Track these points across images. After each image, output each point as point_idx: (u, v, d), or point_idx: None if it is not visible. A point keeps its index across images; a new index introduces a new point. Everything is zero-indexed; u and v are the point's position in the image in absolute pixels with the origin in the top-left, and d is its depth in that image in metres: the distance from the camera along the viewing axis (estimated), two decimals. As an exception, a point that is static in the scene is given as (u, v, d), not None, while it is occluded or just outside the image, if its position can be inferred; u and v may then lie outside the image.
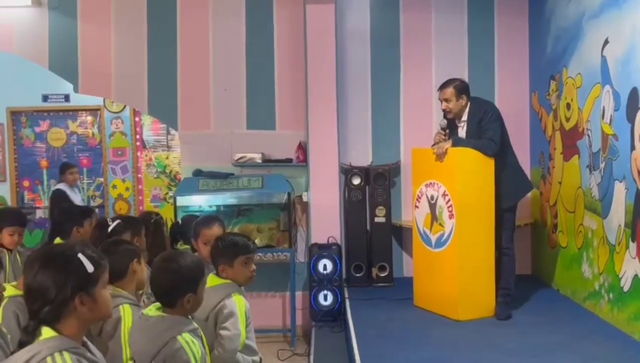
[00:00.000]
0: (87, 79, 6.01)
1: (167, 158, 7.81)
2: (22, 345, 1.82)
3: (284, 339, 5.91)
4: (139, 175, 7.83)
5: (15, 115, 7.83)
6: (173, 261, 2.43)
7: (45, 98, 7.75)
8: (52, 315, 1.82)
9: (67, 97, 7.68)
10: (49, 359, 1.77)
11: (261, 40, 5.98)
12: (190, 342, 2.29)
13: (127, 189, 7.86)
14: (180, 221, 4.66)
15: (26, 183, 7.92)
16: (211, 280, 2.87)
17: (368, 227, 5.86)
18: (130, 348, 2.52)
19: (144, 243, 3.55)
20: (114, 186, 7.86)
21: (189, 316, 2.44)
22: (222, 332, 2.78)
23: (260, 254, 5.75)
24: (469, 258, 4.58)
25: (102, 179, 7.89)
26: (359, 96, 6.01)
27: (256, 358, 2.94)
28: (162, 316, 2.36)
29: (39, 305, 1.81)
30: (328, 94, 5.76)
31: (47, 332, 1.84)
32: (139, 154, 7.82)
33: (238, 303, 2.85)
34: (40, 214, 7.92)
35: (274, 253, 5.80)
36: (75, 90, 6.11)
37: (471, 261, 4.58)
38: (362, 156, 6.00)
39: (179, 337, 2.27)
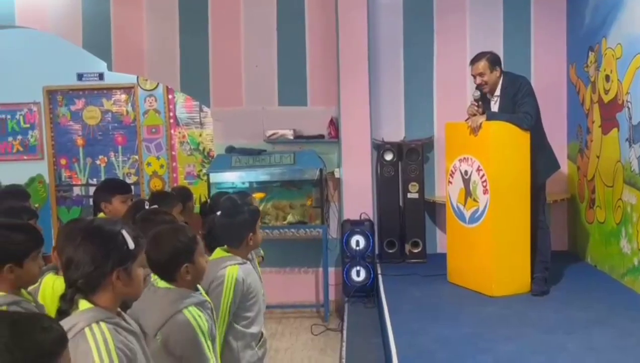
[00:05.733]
0: (120, 58, 6.06)
1: (200, 135, 7.85)
2: (60, 313, 1.87)
3: (317, 314, 5.95)
4: (173, 152, 7.90)
5: (51, 94, 7.95)
6: (164, 235, 2.41)
7: (80, 77, 7.84)
8: (89, 286, 1.87)
9: (101, 76, 7.75)
10: (87, 330, 1.82)
11: (292, 15, 5.94)
12: (196, 316, 2.29)
13: (161, 166, 7.94)
14: (210, 199, 4.69)
15: (63, 161, 8.06)
16: (217, 252, 2.91)
17: (401, 203, 5.82)
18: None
19: (182, 217, 3.59)
20: (149, 164, 7.95)
21: (198, 289, 2.45)
22: None
23: (292, 230, 5.79)
24: (504, 234, 4.52)
25: (136, 157, 7.98)
26: (391, 70, 5.94)
27: (255, 330, 2.89)
28: (169, 288, 2.37)
29: (77, 275, 1.86)
30: (360, 68, 5.71)
31: (83, 304, 1.89)
32: (172, 131, 7.88)
33: (228, 275, 2.79)
34: (77, 191, 8.07)
35: (307, 230, 5.81)
36: (109, 68, 6.17)
37: (506, 237, 4.53)
38: (395, 131, 5.94)
39: (185, 311, 2.28)
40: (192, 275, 2.39)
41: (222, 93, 6.03)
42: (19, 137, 8.00)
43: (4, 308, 2.17)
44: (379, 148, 5.81)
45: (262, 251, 3.79)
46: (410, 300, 4.67)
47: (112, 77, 7.36)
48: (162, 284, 2.38)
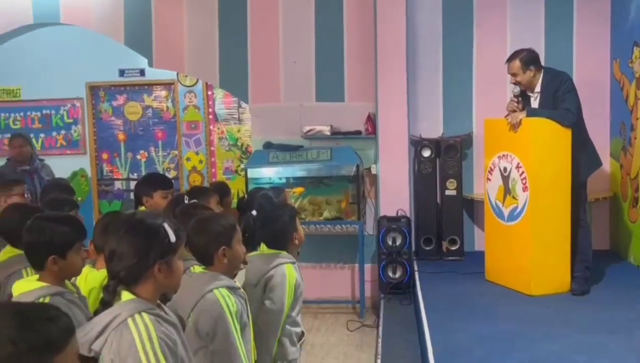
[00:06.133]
0: (161, 54, 6.16)
1: (238, 130, 7.93)
2: (104, 303, 1.92)
3: (353, 310, 5.95)
4: (212, 148, 8.00)
5: (94, 90, 8.13)
6: (206, 219, 2.52)
7: (121, 73, 8.00)
8: (132, 277, 1.91)
9: (142, 72, 7.90)
10: (130, 320, 1.86)
11: (331, 11, 5.94)
12: (225, 296, 2.34)
13: (200, 161, 8.05)
14: (247, 194, 4.73)
15: (105, 156, 8.24)
16: (263, 248, 2.97)
17: (438, 200, 5.78)
18: None
19: (219, 209, 3.64)
20: (188, 159, 8.06)
21: (232, 277, 2.50)
22: (267, 303, 2.82)
23: (329, 226, 5.80)
24: (544, 232, 4.45)
25: (176, 152, 8.10)
26: (429, 65, 5.89)
27: (298, 329, 2.94)
28: (203, 272, 2.45)
29: (120, 267, 1.90)
30: (398, 64, 5.68)
31: (125, 295, 1.93)
32: (211, 127, 7.97)
33: (289, 274, 2.87)
34: (118, 185, 8.24)
35: (343, 226, 5.82)
36: (150, 65, 6.28)
37: (546, 235, 4.45)
38: (433, 127, 5.90)
39: (215, 291, 2.34)
40: (229, 260, 2.46)
41: (261, 89, 6.08)
42: (63, 132, 8.21)
43: (47, 299, 2.24)
44: (417, 144, 5.77)
45: None
46: (447, 297, 4.64)
47: (153, 74, 7.49)
48: (198, 269, 2.45)
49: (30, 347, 1.33)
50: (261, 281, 2.83)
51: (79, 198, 7.70)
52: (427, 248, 5.75)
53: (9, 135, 6.66)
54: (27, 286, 2.29)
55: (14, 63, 7.79)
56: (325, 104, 6.02)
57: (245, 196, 4.82)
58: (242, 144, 7.92)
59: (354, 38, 5.94)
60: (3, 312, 1.36)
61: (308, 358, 4.66)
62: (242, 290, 2.51)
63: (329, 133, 5.93)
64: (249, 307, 2.53)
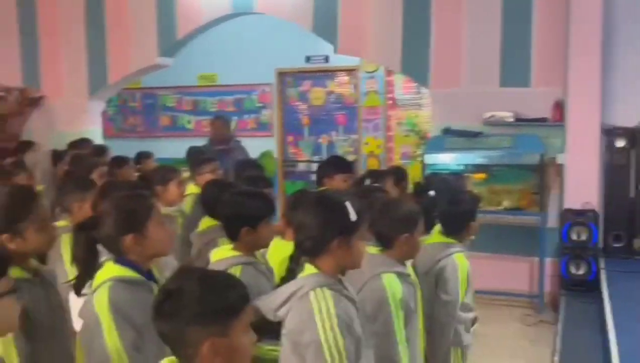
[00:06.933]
0: (345, 40, 6.34)
1: (416, 116, 7.94)
2: (289, 271, 2.09)
3: (529, 305, 5.73)
4: (390, 133, 8.10)
5: (282, 76, 8.61)
6: (391, 204, 2.55)
7: (308, 59, 8.37)
8: (313, 249, 2.05)
9: (326, 58, 8.20)
10: (311, 293, 1.99)
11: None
12: (393, 282, 2.37)
13: (378, 146, 8.19)
14: (424, 179, 4.74)
15: (290, 138, 8.71)
16: (435, 236, 2.96)
17: (632, 194, 5.33)
18: None
19: (396, 192, 3.71)
20: (366, 143, 8.25)
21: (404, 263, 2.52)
22: (442, 296, 2.84)
23: (508, 216, 5.62)
24: None
25: (356, 137, 8.32)
26: (628, 47, 5.40)
27: (471, 315, 2.92)
28: (378, 254, 2.48)
29: (303, 238, 2.05)
30: (591, 46, 5.28)
31: (309, 269, 2.07)
32: (390, 112, 8.07)
33: (460, 264, 2.84)
34: (301, 167, 8.68)
35: (522, 216, 5.60)
36: (335, 51, 6.49)
37: None
38: (629, 115, 5.41)
39: (383, 275, 2.38)
40: (409, 247, 2.50)
41: (442, 74, 6.01)
42: (254, 115, 8.81)
43: (239, 267, 2.46)
44: (609, 133, 5.36)
45: None
46: (637, 299, 4.30)
47: (336, 60, 7.74)
48: (372, 250, 2.51)
49: (213, 309, 1.50)
50: (432, 270, 2.86)
51: (266, 178, 8.25)
52: (617, 246, 5.34)
53: (208, 117, 7.30)
54: (223, 254, 2.54)
55: (212, 51, 8.48)
56: (509, 89, 5.80)
57: (422, 181, 4.85)
58: (420, 130, 7.92)
59: (543, 17, 5.62)
60: (193, 277, 1.55)
61: (480, 348, 4.58)
62: (410, 276, 2.54)
63: (511, 120, 5.71)
64: (417, 295, 2.57)
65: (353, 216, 2.04)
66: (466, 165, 5.92)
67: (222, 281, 1.57)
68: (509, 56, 5.78)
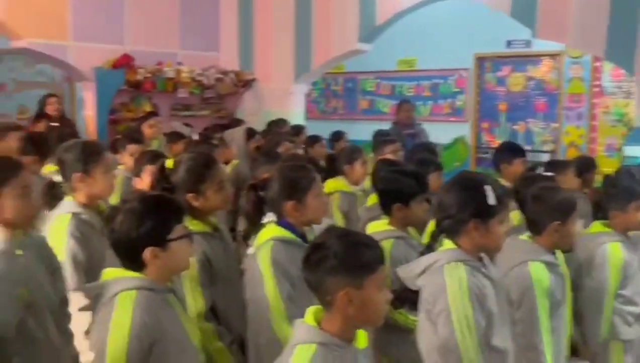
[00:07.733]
0: (544, 25, 6.07)
1: (626, 105, 7.34)
2: (428, 247, 2.21)
3: None
4: (594, 122, 7.59)
5: (480, 60, 8.47)
6: (546, 190, 2.48)
7: (508, 44, 8.14)
8: (451, 228, 2.14)
9: (528, 43, 7.89)
10: (446, 266, 2.10)
11: None
12: (540, 271, 2.33)
13: (580, 136, 7.73)
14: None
15: (485, 125, 8.55)
16: (594, 226, 2.85)
17: None
18: None
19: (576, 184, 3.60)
20: (567, 133, 7.82)
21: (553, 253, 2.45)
22: (586, 280, 2.72)
23: None
24: None
25: (556, 125, 7.93)
26: None
27: (634, 309, 2.73)
28: (527, 240, 2.45)
29: (443, 216, 2.15)
30: None
31: (447, 244, 2.17)
32: (595, 100, 7.55)
33: (614, 253, 2.70)
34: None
35: None
36: (534, 36, 6.26)
37: None
38: None
39: (530, 263, 2.35)
40: (560, 236, 2.44)
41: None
42: (449, 100, 8.80)
43: (390, 240, 2.62)
44: None
45: None
46: None
47: (539, 45, 7.43)
48: (525, 236, 2.50)
49: (350, 263, 1.69)
50: (586, 260, 2.76)
51: (456, 163, 8.24)
52: None
53: (396, 102, 7.47)
54: (378, 227, 2.72)
55: (411, 36, 8.60)
56: None
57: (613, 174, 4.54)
58: (629, 120, 7.31)
59: None
60: (335, 234, 1.76)
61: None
62: (559, 267, 2.49)
63: None
64: (566, 286, 2.51)
65: (492, 200, 2.07)
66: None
67: (360, 240, 1.76)
68: None
